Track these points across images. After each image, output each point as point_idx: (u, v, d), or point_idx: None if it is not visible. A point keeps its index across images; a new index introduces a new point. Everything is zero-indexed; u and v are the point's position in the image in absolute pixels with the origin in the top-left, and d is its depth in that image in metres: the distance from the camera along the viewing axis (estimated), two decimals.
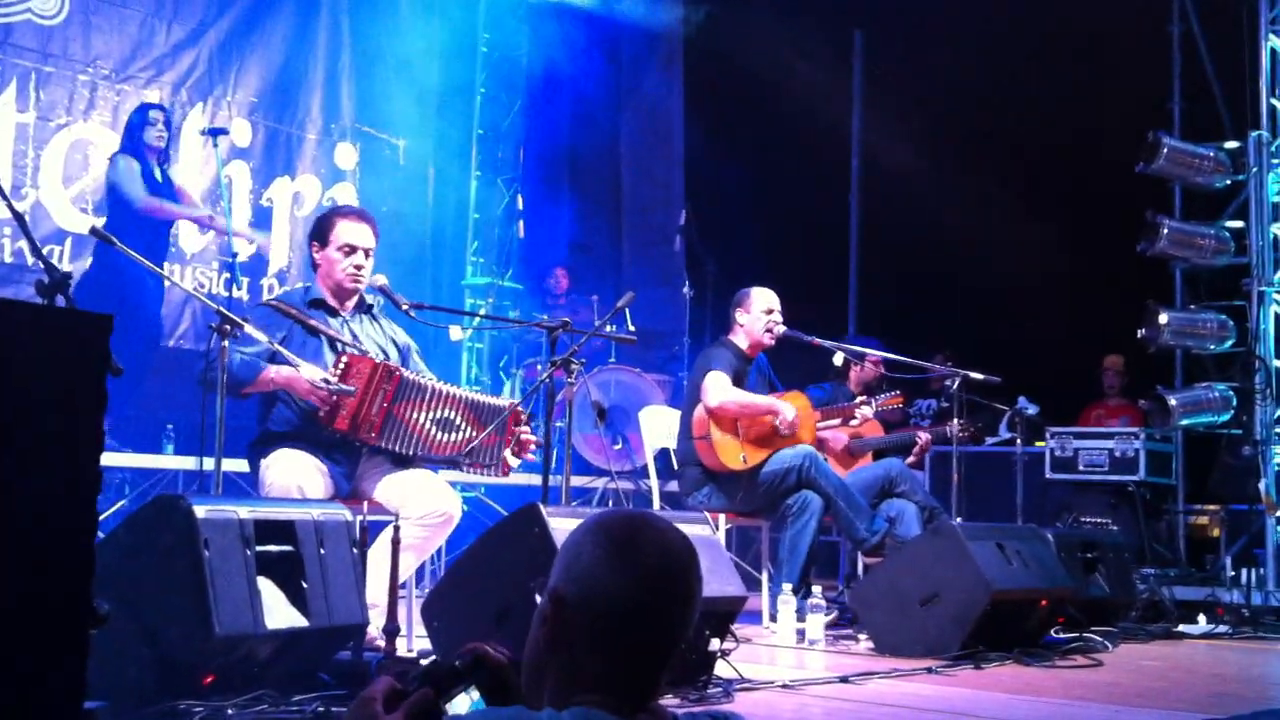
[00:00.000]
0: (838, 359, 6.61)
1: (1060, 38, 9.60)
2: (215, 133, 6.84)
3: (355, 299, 4.72)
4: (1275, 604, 7.02)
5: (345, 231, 4.61)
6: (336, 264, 4.60)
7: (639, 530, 1.60)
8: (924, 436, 6.97)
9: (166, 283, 6.58)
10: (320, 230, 4.64)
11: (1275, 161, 7.94)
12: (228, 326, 3.99)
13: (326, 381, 4.25)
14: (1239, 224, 8.14)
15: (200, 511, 3.11)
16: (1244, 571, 7.22)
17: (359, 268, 4.62)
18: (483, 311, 9.00)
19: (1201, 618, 6.68)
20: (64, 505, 1.70)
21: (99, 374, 1.69)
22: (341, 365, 4.33)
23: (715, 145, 10.19)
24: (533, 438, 4.63)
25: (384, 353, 4.64)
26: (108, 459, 6.28)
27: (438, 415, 4.46)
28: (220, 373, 3.98)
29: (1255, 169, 7.91)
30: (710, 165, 10.13)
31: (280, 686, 3.22)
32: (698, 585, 1.62)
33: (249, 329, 4.16)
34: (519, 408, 4.64)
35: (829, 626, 5.52)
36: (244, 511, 3.25)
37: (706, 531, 4.52)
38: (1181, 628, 6.51)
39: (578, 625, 1.56)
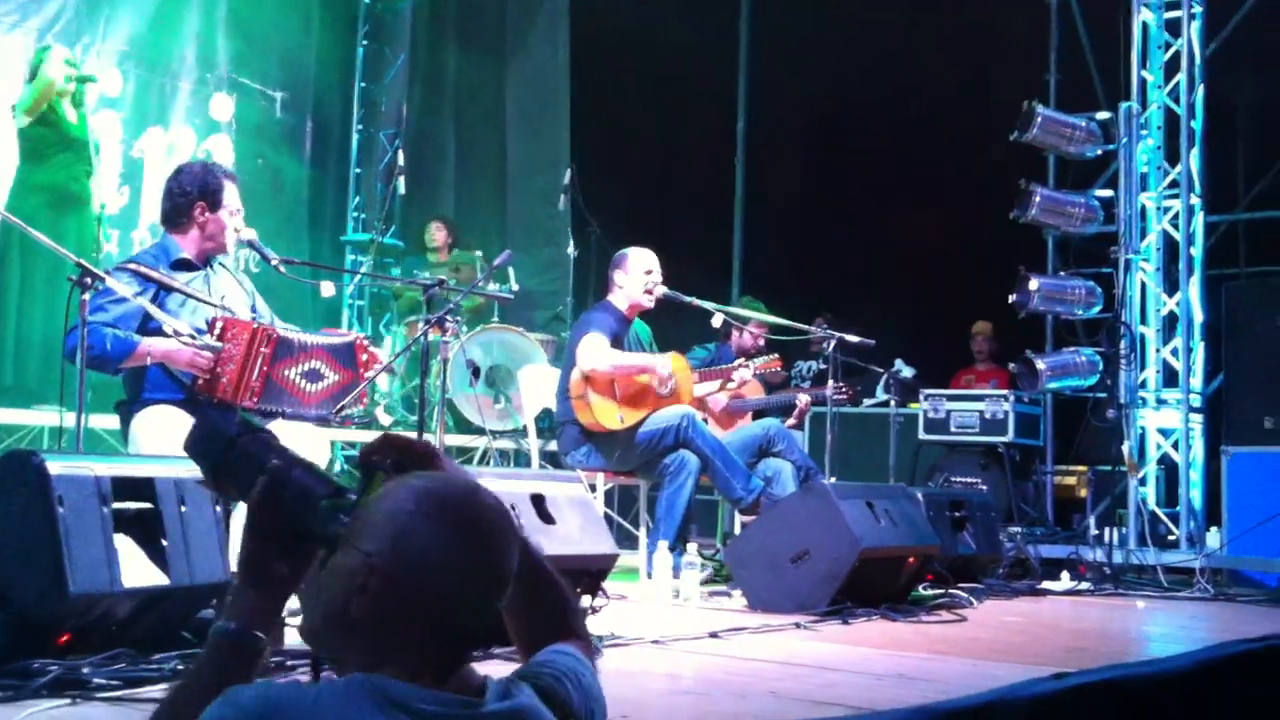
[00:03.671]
0: (716, 321, 6.65)
1: (942, 7, 9.74)
2: (83, 80, 6.65)
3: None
4: (1135, 562, 7.25)
5: (232, 195, 4.60)
6: (225, 227, 4.57)
7: (474, 520, 1.57)
8: (804, 399, 7.06)
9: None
10: (212, 192, 4.55)
11: (1144, 133, 8.14)
12: (88, 279, 3.88)
13: (193, 337, 4.18)
14: (1109, 193, 8.35)
15: (54, 468, 3.03)
16: (1107, 530, 7.44)
17: (238, 230, 4.61)
18: (363, 268, 8.90)
19: (1065, 575, 6.89)
20: None
21: None
22: (217, 329, 4.27)
23: (601, 105, 10.15)
24: (383, 361, 4.68)
25: (247, 305, 4.62)
26: None
27: (304, 368, 4.44)
28: (81, 326, 3.89)
29: (1125, 140, 8.11)
30: (596, 125, 10.09)
31: (140, 645, 3.17)
32: (514, 567, 1.62)
33: (110, 281, 4.06)
34: (360, 339, 4.65)
35: (704, 583, 5.58)
36: (100, 468, 3.17)
37: (581, 490, 4.54)
38: (1045, 584, 6.71)
39: (394, 598, 1.52)
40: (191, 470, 3.53)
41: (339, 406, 4.49)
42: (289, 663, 3.14)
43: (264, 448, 1.74)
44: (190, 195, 4.54)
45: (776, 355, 6.80)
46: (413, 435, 1.73)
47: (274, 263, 4.60)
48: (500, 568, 1.58)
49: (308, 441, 4.40)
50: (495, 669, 1.71)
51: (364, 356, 4.61)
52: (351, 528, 1.59)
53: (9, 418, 6.39)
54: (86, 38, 7.77)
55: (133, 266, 4.43)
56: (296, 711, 1.44)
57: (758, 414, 7.06)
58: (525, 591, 1.78)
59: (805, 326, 6.96)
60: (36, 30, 7.51)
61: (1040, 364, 7.93)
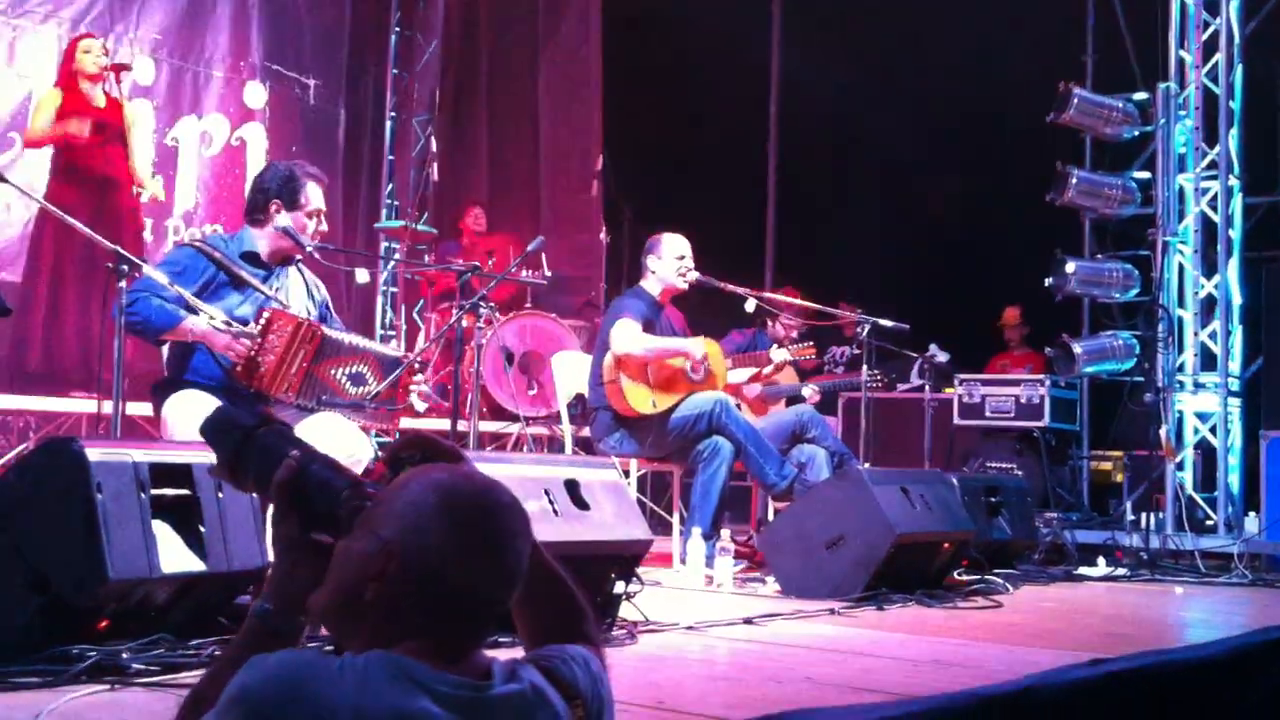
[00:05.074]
0: (749, 305, 6.63)
1: None
2: (118, 69, 6.69)
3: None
4: (1173, 547, 7.20)
5: (316, 195, 4.54)
6: (305, 228, 4.51)
7: (489, 517, 1.60)
8: (808, 391, 7.14)
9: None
10: (291, 191, 4.48)
11: (1182, 114, 8.05)
12: (124, 267, 3.91)
13: (228, 324, 4.19)
14: (1146, 175, 8.27)
15: (93, 454, 3.05)
16: (1144, 516, 7.39)
17: (321, 231, 4.58)
18: (396, 255, 8.93)
19: (1101, 560, 6.85)
20: None
21: None
22: (263, 320, 4.26)
23: (633, 90, 10.12)
24: (423, 389, 4.60)
25: (306, 310, 4.58)
26: (11, 402, 6.19)
27: (351, 370, 4.42)
28: (119, 314, 3.92)
29: (1163, 121, 8.03)
30: (628, 111, 10.07)
31: (178, 631, 3.19)
32: (526, 565, 1.66)
33: (148, 270, 4.08)
34: (413, 362, 4.61)
35: (737, 570, 5.58)
36: (138, 454, 3.20)
37: (615, 476, 4.53)
38: (1081, 570, 6.67)
39: (409, 585, 1.55)
40: None
41: (372, 396, 4.47)
42: (327, 648, 3.15)
43: (282, 441, 1.75)
44: (268, 193, 4.49)
45: (811, 343, 6.80)
46: (441, 433, 1.75)
47: (308, 249, 4.59)
48: (511, 564, 1.62)
49: (351, 437, 4.39)
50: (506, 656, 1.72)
51: (411, 379, 4.57)
52: (370, 513, 1.62)
53: (47, 405, 6.45)
54: (119, 27, 7.81)
55: (198, 244, 4.44)
56: (320, 680, 1.46)
57: (790, 400, 7.04)
58: (534, 594, 1.80)
59: (841, 311, 6.94)
60: (70, 21, 7.55)
61: (1077, 348, 7.87)
